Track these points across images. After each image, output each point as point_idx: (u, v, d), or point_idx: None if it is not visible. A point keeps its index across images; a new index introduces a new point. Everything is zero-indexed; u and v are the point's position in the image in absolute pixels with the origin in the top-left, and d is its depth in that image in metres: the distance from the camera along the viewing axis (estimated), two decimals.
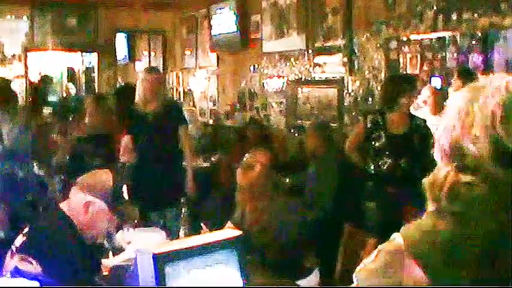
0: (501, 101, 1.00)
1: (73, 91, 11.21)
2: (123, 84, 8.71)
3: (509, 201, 0.97)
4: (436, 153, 1.07)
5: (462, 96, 1.06)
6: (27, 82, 8.97)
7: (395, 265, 1.02)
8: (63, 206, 2.43)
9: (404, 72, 4.92)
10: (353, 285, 1.09)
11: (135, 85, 4.87)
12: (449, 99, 1.09)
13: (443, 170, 1.04)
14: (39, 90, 9.80)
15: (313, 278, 3.16)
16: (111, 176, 2.44)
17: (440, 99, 4.37)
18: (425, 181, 1.06)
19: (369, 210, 4.03)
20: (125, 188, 2.46)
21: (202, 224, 3.33)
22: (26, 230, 2.37)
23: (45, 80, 10.12)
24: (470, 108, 1.02)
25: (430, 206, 1.05)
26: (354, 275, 1.09)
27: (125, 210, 2.46)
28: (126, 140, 4.60)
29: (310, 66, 6.22)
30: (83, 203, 2.36)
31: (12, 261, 2.23)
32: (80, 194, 2.38)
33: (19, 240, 2.31)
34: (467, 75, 4.02)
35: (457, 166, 1.02)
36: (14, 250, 2.28)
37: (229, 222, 3.27)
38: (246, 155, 3.37)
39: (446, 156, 1.05)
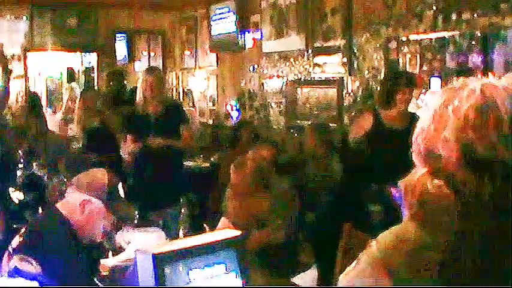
0: (475, 105, 0.98)
1: (77, 91, 11.21)
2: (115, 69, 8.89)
3: (474, 210, 0.96)
4: (413, 155, 1.07)
5: (438, 98, 1.05)
6: (27, 84, 8.98)
7: (372, 272, 1.03)
8: (60, 206, 2.42)
9: (403, 70, 4.92)
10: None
11: (124, 70, 4.98)
12: (426, 101, 1.09)
13: (418, 173, 1.04)
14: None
15: (311, 274, 3.17)
16: (107, 175, 2.44)
17: None
18: (400, 184, 1.06)
19: (374, 213, 3.99)
20: (120, 186, 2.45)
21: (205, 225, 3.34)
22: (23, 230, 2.37)
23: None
24: (444, 110, 1.01)
25: (406, 213, 1.05)
26: (337, 282, 1.10)
27: (122, 208, 2.45)
28: (129, 139, 4.63)
29: (310, 66, 6.22)
30: (79, 202, 2.35)
31: (10, 262, 2.23)
32: (76, 194, 2.38)
33: (16, 240, 2.31)
34: (466, 76, 4.01)
35: (430, 170, 1.02)
36: (11, 251, 2.28)
37: (223, 218, 3.28)
38: (250, 151, 3.40)
39: (421, 159, 1.04)
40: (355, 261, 1.09)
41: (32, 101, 8.97)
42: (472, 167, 0.97)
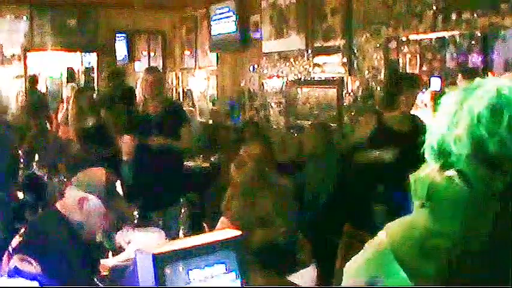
0: (489, 104, 1.01)
1: None
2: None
3: (483, 203, 1.00)
4: (426, 151, 1.10)
5: (453, 96, 1.08)
6: (26, 84, 8.99)
7: (379, 259, 1.06)
8: (59, 205, 2.43)
9: (408, 71, 4.91)
10: (348, 285, 1.13)
11: (124, 70, 4.98)
12: (442, 98, 1.11)
13: (429, 167, 1.07)
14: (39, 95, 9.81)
15: (310, 272, 3.17)
16: (105, 172, 2.44)
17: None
18: (410, 177, 1.10)
19: (377, 213, 3.99)
20: (118, 184, 2.45)
21: (204, 224, 3.35)
22: (22, 230, 2.38)
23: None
24: (459, 108, 1.04)
25: (415, 203, 1.09)
26: (344, 270, 1.13)
27: (120, 206, 2.45)
28: (126, 138, 4.62)
29: (310, 66, 6.22)
30: (77, 200, 2.36)
31: (10, 262, 2.23)
32: (74, 191, 2.39)
33: (15, 240, 2.31)
34: (472, 75, 4.01)
35: (441, 165, 1.05)
36: (11, 251, 2.28)
37: (222, 218, 3.28)
38: (241, 149, 3.41)
39: (434, 154, 1.08)
40: (362, 250, 1.11)
41: (38, 101, 9.01)
42: (483, 164, 1.00)
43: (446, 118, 1.06)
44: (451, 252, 0.99)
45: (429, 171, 1.06)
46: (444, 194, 1.02)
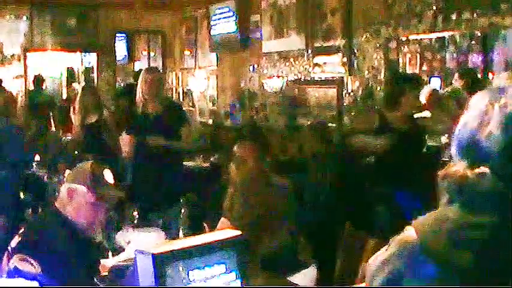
0: None
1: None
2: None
3: None
4: (453, 148, 1.12)
5: (484, 95, 1.11)
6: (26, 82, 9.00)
7: (405, 254, 1.08)
8: (57, 204, 2.46)
9: (410, 72, 4.91)
10: (353, 286, 1.14)
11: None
12: (471, 99, 1.14)
13: (458, 164, 1.09)
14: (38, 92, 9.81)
15: (309, 273, 3.16)
16: (90, 163, 2.49)
17: (439, 101, 4.37)
18: (439, 173, 1.12)
19: (378, 213, 3.98)
20: (107, 172, 2.48)
21: (204, 224, 3.34)
22: (22, 230, 2.38)
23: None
24: (490, 107, 1.07)
25: (443, 198, 1.10)
26: (366, 265, 1.14)
27: (108, 192, 2.48)
28: (126, 138, 4.62)
29: (310, 66, 6.23)
30: (66, 192, 2.40)
31: (10, 262, 2.23)
32: (65, 186, 2.45)
33: (15, 240, 2.32)
34: (468, 75, 4.03)
35: (470, 161, 1.07)
36: (10, 251, 2.28)
37: (223, 218, 3.28)
38: (235, 148, 3.40)
39: (462, 151, 1.10)
40: (385, 246, 1.13)
41: (43, 101, 9.00)
42: None
43: (477, 116, 1.08)
44: (487, 243, 1.01)
45: (458, 167, 1.08)
46: (477, 188, 1.04)
